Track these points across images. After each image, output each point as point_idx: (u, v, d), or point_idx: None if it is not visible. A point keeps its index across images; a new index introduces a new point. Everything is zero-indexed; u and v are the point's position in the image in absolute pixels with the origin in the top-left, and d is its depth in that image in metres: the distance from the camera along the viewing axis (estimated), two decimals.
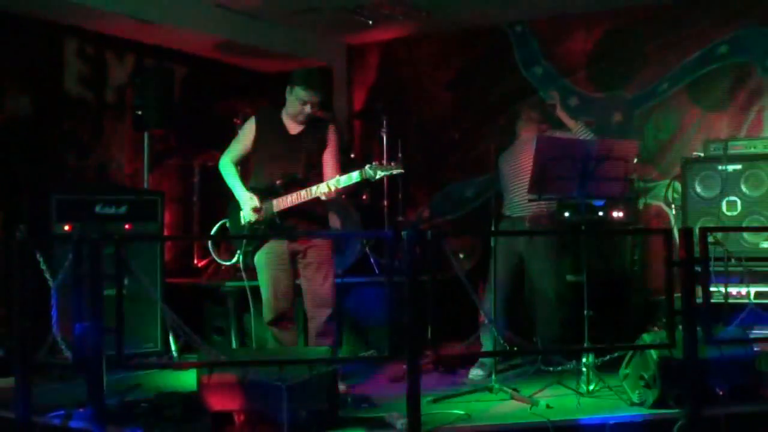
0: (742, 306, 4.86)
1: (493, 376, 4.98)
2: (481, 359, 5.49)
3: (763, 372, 4.64)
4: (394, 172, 4.69)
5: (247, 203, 4.95)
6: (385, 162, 4.75)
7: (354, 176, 4.71)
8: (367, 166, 4.67)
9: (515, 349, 5.58)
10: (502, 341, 5.08)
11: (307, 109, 4.93)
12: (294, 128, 5.03)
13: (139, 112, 6.95)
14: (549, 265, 5.59)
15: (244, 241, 5.09)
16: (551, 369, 5.22)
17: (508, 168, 5.70)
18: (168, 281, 6.37)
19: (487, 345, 5.42)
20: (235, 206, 5.06)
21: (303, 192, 4.84)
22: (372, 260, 6.74)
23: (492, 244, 5.41)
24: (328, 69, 8.54)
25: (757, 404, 4.45)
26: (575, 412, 4.40)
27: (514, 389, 4.83)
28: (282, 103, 5.04)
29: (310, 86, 4.91)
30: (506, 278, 5.55)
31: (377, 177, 4.66)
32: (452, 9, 7.53)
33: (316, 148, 5.02)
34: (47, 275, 4.72)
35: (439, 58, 8.41)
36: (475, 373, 5.42)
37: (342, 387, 4.77)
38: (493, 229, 5.57)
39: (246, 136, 5.11)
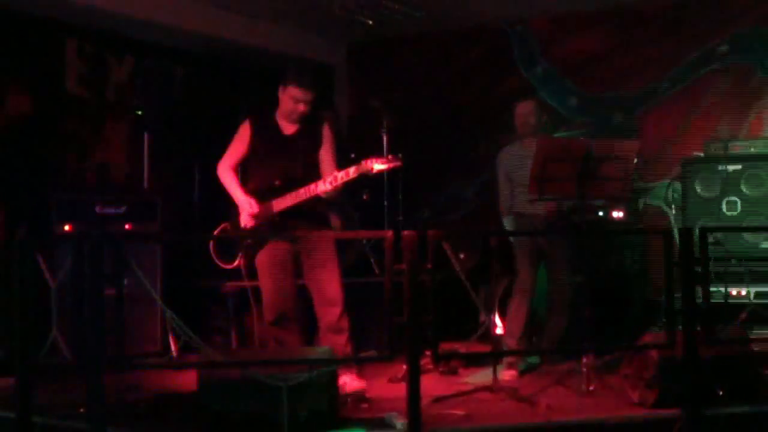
0: (742, 306, 4.86)
1: (492, 376, 4.97)
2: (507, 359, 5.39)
3: (763, 372, 4.63)
4: (392, 165, 4.65)
5: (245, 209, 4.92)
6: (383, 157, 4.71)
7: (351, 171, 4.67)
8: (363, 161, 4.63)
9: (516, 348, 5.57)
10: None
11: (301, 107, 4.89)
12: (288, 128, 5.01)
13: (139, 112, 6.96)
14: (569, 254, 5.51)
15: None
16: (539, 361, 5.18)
17: (525, 164, 5.45)
18: (168, 281, 6.37)
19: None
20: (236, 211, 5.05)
21: (302, 191, 4.81)
22: (372, 260, 6.73)
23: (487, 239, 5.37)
24: (329, 68, 8.53)
25: (757, 404, 4.44)
26: (575, 412, 4.40)
27: (514, 389, 4.83)
28: (278, 103, 5.01)
29: (302, 84, 4.86)
30: (532, 277, 5.54)
31: (374, 170, 4.61)
32: (452, 9, 7.53)
33: (312, 147, 4.99)
34: (47, 275, 4.73)
35: (439, 58, 8.40)
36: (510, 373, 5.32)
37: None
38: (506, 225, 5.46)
39: (241, 140, 5.06)
